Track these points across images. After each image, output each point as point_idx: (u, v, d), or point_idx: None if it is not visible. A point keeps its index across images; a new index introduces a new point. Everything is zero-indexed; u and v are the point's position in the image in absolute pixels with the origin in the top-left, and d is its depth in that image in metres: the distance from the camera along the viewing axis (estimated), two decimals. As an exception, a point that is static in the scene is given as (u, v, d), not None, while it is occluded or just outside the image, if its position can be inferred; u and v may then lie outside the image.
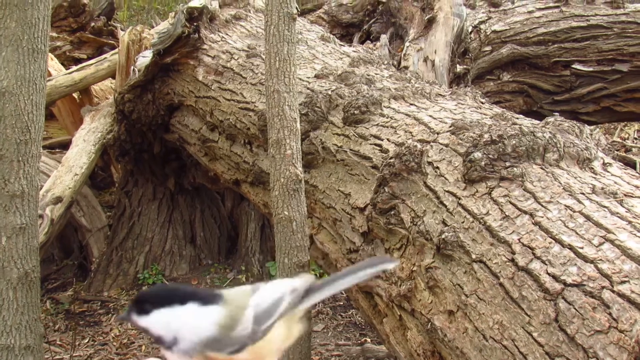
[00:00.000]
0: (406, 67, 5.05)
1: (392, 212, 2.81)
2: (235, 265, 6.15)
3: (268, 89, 3.11)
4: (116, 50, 6.55)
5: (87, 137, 5.76)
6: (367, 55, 4.30)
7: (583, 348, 1.87)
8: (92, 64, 6.63)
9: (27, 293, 3.55)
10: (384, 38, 5.63)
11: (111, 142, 5.74)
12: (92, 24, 8.57)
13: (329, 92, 3.59)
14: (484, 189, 2.47)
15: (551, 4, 6.09)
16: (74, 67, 6.80)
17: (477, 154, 2.51)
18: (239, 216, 6.45)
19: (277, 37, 3.06)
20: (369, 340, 5.09)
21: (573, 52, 6.01)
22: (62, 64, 7.61)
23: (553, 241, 2.13)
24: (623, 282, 1.88)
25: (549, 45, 5.96)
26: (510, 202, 2.36)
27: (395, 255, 2.79)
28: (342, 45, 4.75)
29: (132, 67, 5.46)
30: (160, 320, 1.04)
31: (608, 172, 2.48)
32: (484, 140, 2.54)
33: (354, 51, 4.48)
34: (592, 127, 3.26)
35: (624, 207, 2.16)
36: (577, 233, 2.10)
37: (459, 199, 2.53)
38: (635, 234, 2.00)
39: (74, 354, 4.89)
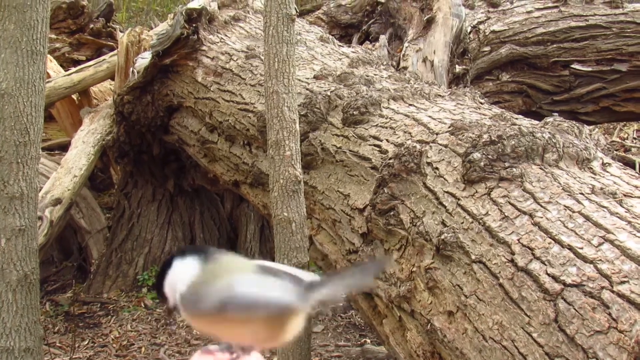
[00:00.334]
0: (405, 68, 5.05)
1: (392, 213, 2.81)
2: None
3: (267, 90, 3.10)
4: (115, 51, 6.54)
5: (86, 139, 5.76)
6: (366, 56, 4.31)
7: (583, 348, 1.87)
8: (91, 66, 6.63)
9: (27, 295, 3.54)
10: (383, 39, 5.63)
11: (110, 143, 5.74)
12: (91, 25, 8.56)
13: (328, 93, 3.59)
14: (483, 189, 2.47)
15: (550, 4, 6.08)
16: (73, 69, 6.79)
17: (477, 155, 2.51)
18: (239, 217, 6.45)
19: (276, 38, 3.06)
20: (368, 341, 5.09)
21: (572, 52, 6.01)
22: (61, 65, 7.60)
23: (552, 241, 2.13)
24: (623, 283, 1.88)
25: (547, 45, 5.96)
26: (510, 203, 2.36)
27: (394, 256, 2.79)
28: (341, 46, 4.75)
29: (131, 69, 5.46)
30: (169, 292, 1.10)
31: (607, 172, 2.48)
32: (483, 140, 2.54)
33: (353, 52, 4.48)
34: (591, 127, 3.26)
35: (623, 207, 2.16)
36: (576, 233, 2.10)
37: (458, 199, 2.53)
38: (634, 234, 2.00)
39: (73, 356, 4.88)
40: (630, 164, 7.08)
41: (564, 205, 2.23)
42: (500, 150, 2.49)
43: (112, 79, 6.43)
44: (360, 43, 5.82)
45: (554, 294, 2.00)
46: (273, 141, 3.08)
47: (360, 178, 3.17)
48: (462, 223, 2.46)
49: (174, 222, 6.23)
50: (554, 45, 5.97)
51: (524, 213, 2.29)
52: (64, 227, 5.54)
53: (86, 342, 5.16)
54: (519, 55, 5.94)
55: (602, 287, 1.90)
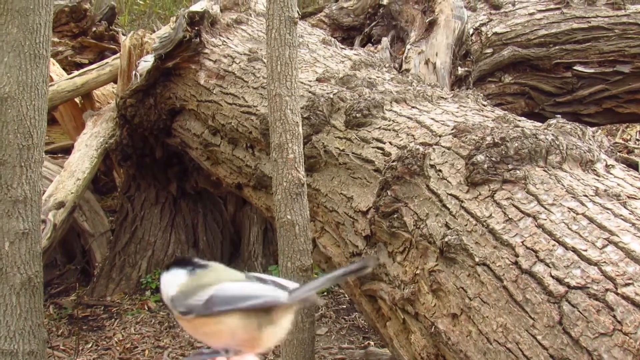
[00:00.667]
0: (407, 70, 5.05)
1: (395, 216, 2.81)
2: (238, 269, 6.15)
3: (270, 93, 3.11)
4: (118, 54, 6.56)
5: (90, 142, 5.77)
6: (369, 58, 4.31)
7: (587, 351, 1.86)
8: (93, 69, 6.65)
9: (30, 298, 3.55)
10: (385, 41, 5.63)
11: (113, 146, 5.75)
12: (94, 28, 8.59)
13: (331, 96, 3.59)
14: (486, 191, 2.47)
15: (552, 6, 6.08)
16: (76, 72, 6.81)
17: (480, 157, 2.51)
18: (242, 220, 6.45)
19: (279, 41, 3.06)
20: (372, 343, 5.08)
21: (574, 54, 6.00)
22: (64, 69, 7.62)
23: (556, 244, 2.12)
24: (627, 285, 1.87)
25: (550, 47, 5.95)
26: (513, 205, 2.35)
27: (398, 258, 2.79)
28: (343, 48, 4.75)
29: (133, 72, 5.47)
30: (163, 293, 1.19)
31: (611, 174, 2.48)
32: (487, 143, 2.54)
33: (356, 54, 4.48)
34: (594, 128, 3.26)
35: (627, 209, 2.16)
36: (580, 235, 2.10)
37: (462, 201, 2.52)
38: (639, 236, 1.99)
39: (77, 359, 4.88)
40: (633, 166, 7.07)
41: (568, 208, 2.23)
42: (503, 152, 2.49)
43: (115, 82, 6.45)
44: (363, 45, 5.83)
45: (558, 296, 2.00)
46: (276, 144, 3.08)
47: (364, 180, 3.17)
48: (466, 225, 2.45)
49: (177, 224, 6.23)
50: (557, 47, 5.96)
51: (528, 215, 2.28)
52: (68, 231, 5.55)
53: (90, 345, 5.17)
54: (521, 57, 5.93)
55: (607, 290, 1.90)
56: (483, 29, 5.86)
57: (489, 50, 5.83)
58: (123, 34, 8.33)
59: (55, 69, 7.09)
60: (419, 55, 5.22)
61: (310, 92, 3.73)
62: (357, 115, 3.37)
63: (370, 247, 3.02)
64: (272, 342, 1.14)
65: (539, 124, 2.88)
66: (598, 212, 2.16)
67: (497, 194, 2.43)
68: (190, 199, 6.28)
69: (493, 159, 2.49)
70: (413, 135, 3.04)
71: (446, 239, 2.47)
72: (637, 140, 8.75)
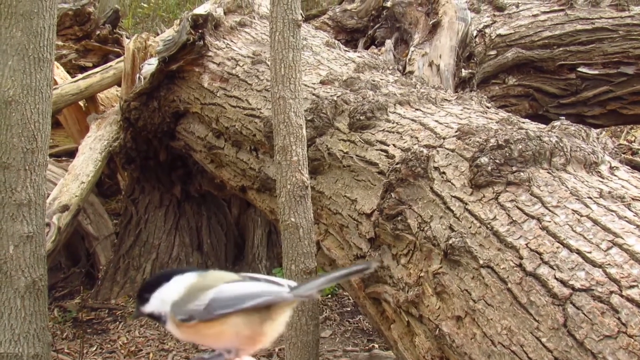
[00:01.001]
0: (411, 72, 5.05)
1: (399, 218, 2.80)
2: (242, 272, 6.14)
3: (274, 96, 3.11)
4: (121, 58, 6.58)
5: (94, 145, 5.78)
6: (372, 60, 4.31)
7: (592, 353, 1.86)
8: (97, 72, 6.66)
9: (35, 301, 3.56)
10: (389, 43, 5.63)
11: (117, 149, 5.76)
12: (98, 32, 8.61)
13: (335, 98, 3.59)
14: (490, 194, 2.46)
15: (556, 8, 6.07)
16: (80, 75, 6.83)
17: (484, 159, 2.51)
18: (246, 223, 6.45)
19: (282, 44, 3.06)
20: (376, 346, 5.08)
21: (578, 55, 6.00)
22: (68, 72, 7.64)
23: (561, 246, 2.12)
24: (632, 287, 1.87)
25: (554, 48, 5.95)
26: (518, 207, 2.35)
27: (402, 261, 2.79)
28: (347, 50, 4.75)
29: (137, 75, 5.48)
30: (157, 301, 1.17)
31: (615, 175, 2.47)
32: (491, 145, 2.54)
33: (359, 57, 4.48)
34: (598, 130, 3.25)
35: (631, 210, 2.15)
36: (584, 237, 2.09)
37: (466, 204, 2.52)
38: (643, 238, 1.99)
39: (81, 362, 4.89)
40: (637, 167, 7.04)
41: (572, 210, 2.22)
42: (507, 154, 2.49)
43: (119, 85, 6.47)
44: (366, 48, 5.82)
45: (562, 298, 2.00)
46: (280, 146, 3.08)
47: (368, 183, 3.17)
48: (470, 228, 2.45)
49: (181, 227, 6.23)
50: (561, 49, 5.96)
51: (532, 217, 2.28)
52: (72, 234, 5.56)
53: (94, 348, 5.17)
54: (525, 58, 5.93)
55: (611, 292, 1.90)
56: (487, 30, 5.85)
57: (493, 52, 5.83)
58: (127, 37, 8.33)
59: (59, 73, 7.10)
60: (422, 57, 5.22)
61: (314, 94, 3.73)
62: (361, 117, 3.37)
63: (374, 249, 3.02)
64: (273, 337, 1.15)
65: (543, 125, 2.87)
66: (602, 214, 2.16)
67: (501, 196, 2.43)
68: (195, 202, 6.29)
69: (497, 161, 2.49)
70: (417, 138, 3.04)
71: (450, 242, 2.47)
72: (642, 141, 8.73)
